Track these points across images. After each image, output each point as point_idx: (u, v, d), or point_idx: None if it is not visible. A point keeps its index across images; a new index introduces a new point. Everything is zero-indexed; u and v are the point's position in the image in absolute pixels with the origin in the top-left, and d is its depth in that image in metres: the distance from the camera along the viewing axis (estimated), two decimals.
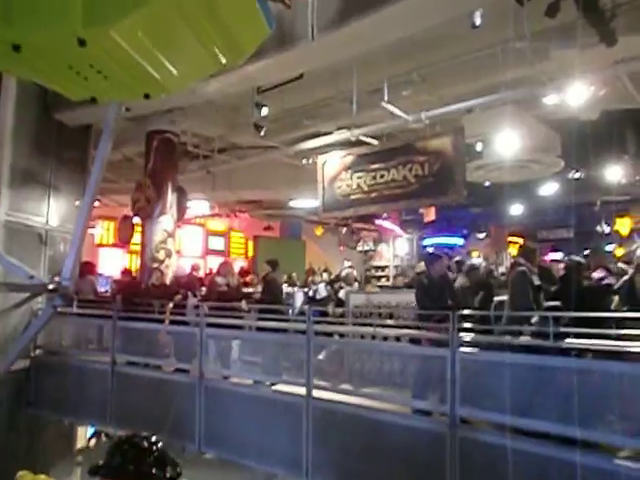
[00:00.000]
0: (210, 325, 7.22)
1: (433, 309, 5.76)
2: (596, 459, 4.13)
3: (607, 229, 20.04)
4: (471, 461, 4.83)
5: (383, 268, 20.25)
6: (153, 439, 3.12)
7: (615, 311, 5.54)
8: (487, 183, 12.60)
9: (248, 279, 12.63)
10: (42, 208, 9.97)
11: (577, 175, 15.82)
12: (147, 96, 2.17)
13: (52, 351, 9.48)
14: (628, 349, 4.61)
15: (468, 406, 4.95)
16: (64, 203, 10.31)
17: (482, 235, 22.08)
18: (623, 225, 18.82)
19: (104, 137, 3.95)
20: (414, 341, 6.14)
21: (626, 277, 5.78)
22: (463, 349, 5.14)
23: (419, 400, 5.41)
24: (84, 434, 11.00)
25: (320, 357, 6.35)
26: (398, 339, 6.71)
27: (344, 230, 19.19)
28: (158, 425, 6.68)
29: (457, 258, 9.30)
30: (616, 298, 5.80)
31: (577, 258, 6.43)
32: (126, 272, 11.52)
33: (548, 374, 4.67)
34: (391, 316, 7.80)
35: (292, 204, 16.43)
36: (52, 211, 10.10)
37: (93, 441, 11.25)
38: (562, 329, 4.92)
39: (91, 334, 9.45)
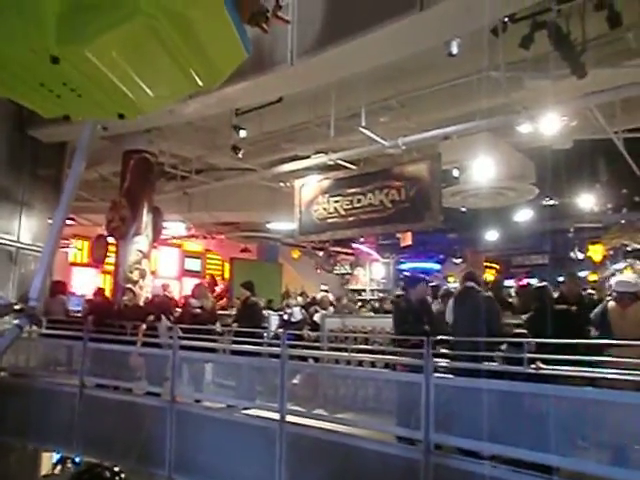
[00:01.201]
0: (183, 348, 7.10)
1: (410, 333, 5.75)
2: None
3: (580, 255, 20.41)
4: None
5: (360, 292, 20.25)
6: (116, 469, 3.05)
7: (587, 337, 5.59)
8: (463, 209, 12.76)
9: (223, 302, 12.52)
10: (13, 226, 9.78)
11: (551, 202, 16.15)
12: (121, 116, 2.15)
13: (18, 373, 9.19)
14: (602, 375, 4.64)
15: (443, 432, 4.92)
16: (37, 221, 10.14)
17: (458, 260, 22.29)
18: (596, 252, 19.18)
19: (78, 155, 3.90)
20: (389, 366, 6.10)
21: (600, 306, 5.85)
22: (438, 375, 5.13)
23: (397, 427, 5.35)
24: (49, 461, 10.65)
25: (294, 381, 6.27)
26: (373, 364, 6.68)
27: (321, 253, 19.19)
28: (126, 450, 6.51)
29: (433, 283, 9.34)
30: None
31: (542, 284, 6.52)
32: (99, 292, 11.31)
33: (521, 400, 4.68)
34: (366, 341, 7.76)
35: (269, 226, 16.42)
36: (24, 229, 9.91)
37: (58, 468, 10.89)
38: (534, 355, 4.95)
39: (60, 355, 9.21)
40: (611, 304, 5.65)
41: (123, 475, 2.87)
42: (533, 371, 4.76)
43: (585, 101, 7.19)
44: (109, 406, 7.71)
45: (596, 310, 5.77)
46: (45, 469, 10.31)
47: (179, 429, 6.79)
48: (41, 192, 10.26)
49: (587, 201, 15.38)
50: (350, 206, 9.23)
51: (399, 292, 9.42)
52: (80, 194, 11.18)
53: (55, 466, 10.88)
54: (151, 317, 8.43)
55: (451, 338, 5.81)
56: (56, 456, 10.71)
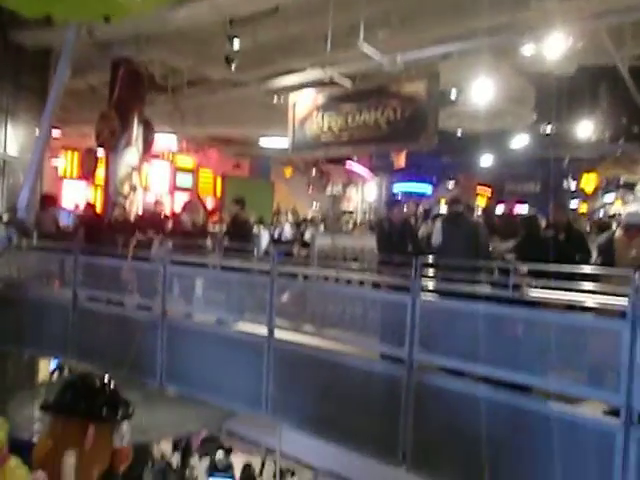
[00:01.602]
0: (174, 262, 7.14)
1: (392, 254, 5.79)
2: (552, 408, 4.26)
3: (573, 186, 20.37)
4: (425, 405, 4.97)
5: (351, 213, 20.29)
6: (106, 379, 3.10)
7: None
8: (459, 133, 12.56)
9: (215, 219, 12.49)
10: None
11: (549, 129, 15.90)
12: (107, 19, 2.02)
13: (12, 284, 9.28)
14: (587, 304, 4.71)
15: (426, 351, 5.06)
16: (23, 132, 9.88)
17: (451, 184, 22.23)
18: (589, 181, 19.15)
19: (62, 60, 3.74)
20: (377, 286, 6.18)
21: (608, 233, 5.89)
22: (424, 296, 5.20)
23: (382, 344, 5.48)
24: (46, 368, 10.97)
25: (283, 298, 6.36)
26: (361, 283, 6.76)
27: (313, 172, 19.03)
28: (119, 361, 6.69)
29: (425, 206, 9.34)
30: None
31: (530, 213, 6.56)
32: (89, 206, 11.23)
33: (505, 323, 4.78)
34: (356, 260, 7.82)
35: (262, 143, 16.14)
36: (10, 140, 9.67)
37: (55, 375, 11.24)
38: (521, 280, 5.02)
39: (52, 268, 9.27)
40: (618, 233, 5.67)
41: (112, 384, 2.93)
42: (519, 296, 4.84)
43: (594, 23, 6.90)
44: (101, 318, 7.86)
45: (604, 235, 5.82)
46: (42, 376, 10.63)
47: (169, 342, 6.96)
48: (26, 102, 9.94)
49: (585, 129, 15.18)
50: (344, 124, 9.04)
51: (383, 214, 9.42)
52: (69, 105, 10.86)
53: (52, 374, 11.23)
54: (140, 233, 8.41)
55: (436, 260, 5.86)
56: (53, 364, 11.02)
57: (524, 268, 5.28)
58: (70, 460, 2.79)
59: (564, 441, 4.08)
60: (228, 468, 10.35)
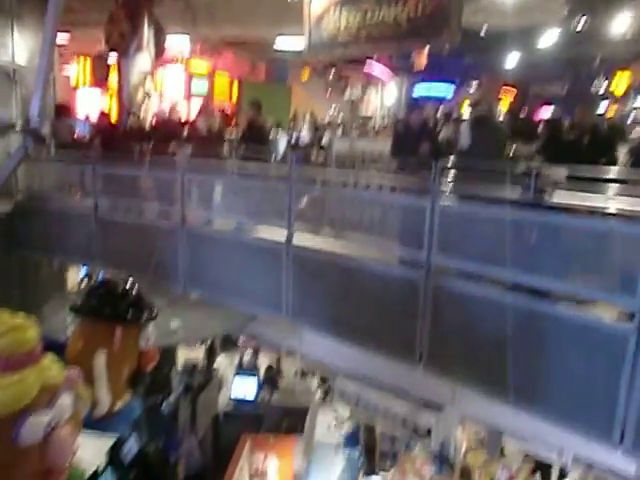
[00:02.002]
0: (191, 170, 7.10)
1: (406, 158, 5.68)
2: (567, 312, 4.29)
3: (602, 87, 19.42)
4: (442, 308, 5.06)
5: (370, 117, 19.78)
6: (130, 283, 3.21)
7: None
8: (483, 32, 11.90)
9: (231, 124, 12.28)
10: (6, 43, 9.23)
11: (581, 24, 14.94)
12: None
13: (34, 196, 9.39)
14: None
15: (444, 256, 5.07)
16: (31, 38, 9.54)
17: (474, 85, 21.40)
18: (621, 81, 18.23)
19: None
20: (396, 189, 6.10)
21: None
22: (443, 200, 5.13)
23: (400, 248, 5.48)
24: (75, 276, 11.33)
25: (301, 204, 6.34)
26: (380, 187, 6.69)
27: (331, 75, 18.39)
28: (143, 267, 6.85)
29: (446, 110, 9.04)
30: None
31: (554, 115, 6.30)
32: (104, 115, 11.09)
33: (525, 227, 4.72)
34: (374, 163, 7.68)
35: (278, 44, 15.51)
36: (18, 47, 9.37)
37: (84, 282, 11.63)
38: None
39: (72, 179, 9.32)
40: None
41: (136, 289, 3.03)
42: (541, 200, 4.76)
43: None
44: (123, 227, 7.97)
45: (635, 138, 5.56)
46: (72, 284, 11.00)
47: (190, 248, 7.07)
48: (31, 3, 9.48)
49: (620, 24, 14.21)
50: (362, 21, 8.57)
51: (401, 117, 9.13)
52: (76, 6, 10.43)
53: (81, 281, 11.63)
54: (157, 139, 8.32)
55: (460, 162, 5.72)
56: (82, 272, 11.38)
57: (557, 172, 5.12)
58: (100, 359, 2.96)
59: (576, 344, 4.15)
60: (254, 368, 10.90)
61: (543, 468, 8.14)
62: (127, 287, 3.05)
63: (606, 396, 3.98)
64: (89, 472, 2.56)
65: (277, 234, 6.22)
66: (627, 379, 3.82)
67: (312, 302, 6.00)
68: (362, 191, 6.38)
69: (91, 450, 2.67)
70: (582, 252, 4.27)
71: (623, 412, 3.88)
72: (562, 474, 9.00)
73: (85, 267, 10.78)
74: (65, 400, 2.30)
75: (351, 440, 10.85)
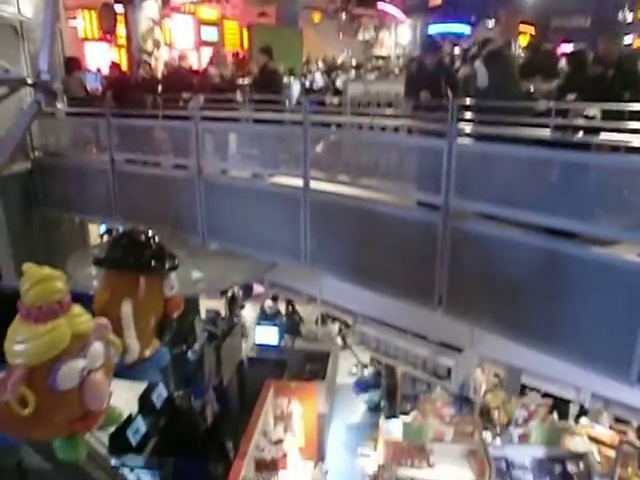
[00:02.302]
0: (205, 119, 7.04)
1: (419, 98, 5.53)
2: (587, 251, 4.26)
3: (629, 17, 18.57)
4: (461, 250, 5.06)
5: (384, 58, 19.27)
6: (151, 234, 3.25)
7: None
8: None
9: (243, 70, 12.05)
10: None
11: None
12: None
13: (51, 152, 9.42)
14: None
15: (462, 198, 5.03)
16: None
17: (491, 22, 20.64)
18: None
19: None
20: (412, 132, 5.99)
21: None
22: (461, 140, 5.05)
23: (418, 191, 5.44)
24: (96, 232, 11.49)
25: (317, 149, 6.29)
26: (396, 130, 6.58)
27: (343, 16, 17.86)
28: (162, 220, 6.92)
29: (464, 46, 8.74)
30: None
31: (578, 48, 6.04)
32: (115, 66, 10.94)
33: (546, 167, 4.64)
34: (390, 105, 7.52)
35: None
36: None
37: (105, 238, 11.80)
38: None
39: (87, 133, 9.30)
40: None
41: (157, 239, 3.07)
42: (563, 138, 4.64)
43: None
44: (140, 180, 8.00)
45: None
46: (94, 239, 11.16)
47: (208, 199, 7.10)
48: None
49: None
50: None
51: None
52: None
53: (102, 236, 11.79)
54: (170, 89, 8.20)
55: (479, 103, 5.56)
56: (103, 228, 11.53)
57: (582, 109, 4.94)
58: (127, 308, 3.04)
59: (595, 284, 4.15)
60: (277, 314, 11.11)
61: (560, 407, 8.31)
62: (149, 237, 3.09)
63: (625, 335, 4.01)
64: (124, 416, 2.68)
65: (294, 182, 6.20)
66: None
67: (330, 248, 6.04)
68: (378, 134, 6.28)
69: (123, 397, 2.79)
70: (604, 190, 4.20)
71: None
72: (579, 413, 9.20)
73: (105, 223, 10.90)
74: (97, 347, 2.40)
75: (372, 384, 11.14)
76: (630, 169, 4.17)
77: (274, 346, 10.31)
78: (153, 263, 2.98)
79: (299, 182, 6.10)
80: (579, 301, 4.27)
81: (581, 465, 7.96)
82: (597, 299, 4.17)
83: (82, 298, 2.66)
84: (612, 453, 8.09)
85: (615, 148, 4.61)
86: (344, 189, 5.92)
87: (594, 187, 4.30)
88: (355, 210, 5.76)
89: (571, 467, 8.02)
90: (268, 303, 11.24)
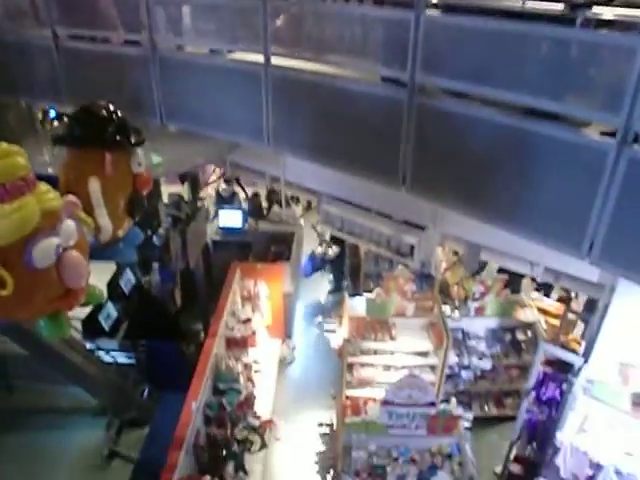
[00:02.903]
0: None
1: None
2: (549, 129, 4.26)
3: None
4: (426, 128, 5.01)
5: None
6: (112, 108, 3.10)
7: None
8: None
9: None
10: None
11: None
12: None
13: None
14: None
15: (429, 74, 4.89)
16: None
17: None
18: None
19: None
20: (379, 2, 5.66)
21: None
22: (430, 12, 4.82)
23: (383, 67, 5.25)
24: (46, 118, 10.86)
25: (277, 22, 5.94)
26: (361, 1, 6.20)
27: None
28: (116, 101, 6.56)
29: None
30: None
31: None
32: None
33: (517, 41, 4.49)
34: None
35: None
36: None
37: (56, 123, 11.19)
38: None
39: (23, 5, 8.48)
40: None
41: (120, 113, 2.93)
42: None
43: None
44: (89, 58, 7.46)
45: None
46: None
47: (164, 78, 6.72)
48: None
49: None
50: None
51: None
52: None
53: (52, 122, 11.18)
54: None
55: None
56: (52, 113, 10.89)
57: None
58: (95, 186, 2.96)
59: (555, 162, 4.21)
60: (233, 195, 11.08)
61: (514, 283, 8.83)
62: (111, 111, 2.94)
63: (580, 211, 4.15)
64: (105, 295, 2.70)
65: (254, 58, 5.91)
66: (602, 194, 3.96)
67: (293, 127, 5.91)
68: (341, 5, 5.94)
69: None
70: (571, 67, 4.14)
71: (594, 225, 4.06)
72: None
73: (52, 107, 10.30)
74: (69, 224, 2.36)
75: (336, 263, 11.49)
76: (593, 44, 4.03)
77: (238, 229, 10.39)
78: (118, 138, 2.87)
79: (260, 58, 5.82)
80: (539, 180, 4.35)
81: (529, 333, 8.65)
82: (557, 177, 4.26)
83: (45, 180, 2.57)
84: (557, 322, 8.80)
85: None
86: (307, 65, 5.67)
87: (557, 63, 4.22)
88: (318, 86, 5.56)
89: (520, 335, 8.72)
90: (222, 186, 11.16)
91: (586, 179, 4.07)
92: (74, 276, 2.37)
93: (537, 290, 9.65)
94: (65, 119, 9.84)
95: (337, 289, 11.61)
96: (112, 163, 2.82)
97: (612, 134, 3.88)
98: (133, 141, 2.95)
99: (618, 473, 5.66)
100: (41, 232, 2.25)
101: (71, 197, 2.49)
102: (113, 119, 2.92)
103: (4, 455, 8.61)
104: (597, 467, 5.76)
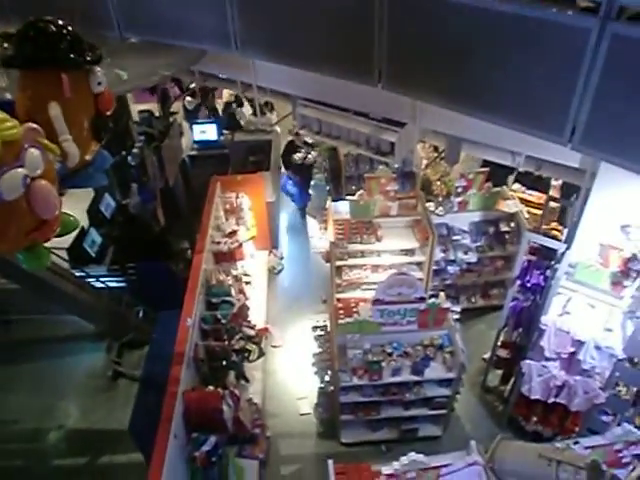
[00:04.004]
0: None
1: None
2: (531, 9, 4.04)
3: None
4: (400, 17, 4.71)
5: None
6: (62, 22, 2.85)
7: None
8: None
9: None
10: None
11: None
12: None
13: None
14: None
15: None
16: None
17: None
18: None
19: None
20: None
21: None
22: None
23: None
24: None
25: None
26: None
27: None
28: (68, 16, 6.09)
29: None
30: None
31: None
32: None
33: None
34: None
35: None
36: None
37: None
38: None
39: None
40: None
41: (72, 28, 2.70)
42: None
43: None
44: None
45: None
46: None
47: None
48: None
49: None
50: None
51: None
52: None
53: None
54: None
55: None
56: None
57: None
58: (55, 111, 2.78)
59: (534, 45, 4.02)
60: (199, 107, 10.73)
61: (496, 175, 8.80)
62: (61, 26, 2.71)
63: (561, 96, 4.02)
64: (79, 223, 2.62)
65: None
66: (584, 75, 3.83)
67: (261, 29, 5.59)
68: None
69: (72, 212, 2.70)
70: None
71: (576, 109, 3.96)
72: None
73: None
74: (33, 153, 2.23)
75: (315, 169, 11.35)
76: None
77: (214, 142, 10.15)
78: (72, 56, 2.66)
79: None
80: (519, 64, 4.18)
81: (512, 224, 8.76)
82: (535, 61, 4.10)
83: (0, 108, 2.40)
84: (539, 212, 8.89)
85: None
86: None
87: None
88: None
89: (503, 227, 8.82)
90: (187, 99, 10.77)
91: (567, 60, 3.91)
92: (45, 206, 2.28)
93: (518, 182, 9.69)
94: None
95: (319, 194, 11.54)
96: (70, 84, 2.63)
97: (594, 10, 3.69)
98: (90, 58, 2.74)
99: (597, 348, 5.97)
100: (4, 163, 2.13)
101: (31, 124, 2.34)
102: (64, 34, 2.69)
103: (12, 386, 8.86)
104: (579, 344, 6.04)
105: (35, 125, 2.35)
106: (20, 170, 2.16)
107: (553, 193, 8.90)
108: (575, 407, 6.39)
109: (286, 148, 10.74)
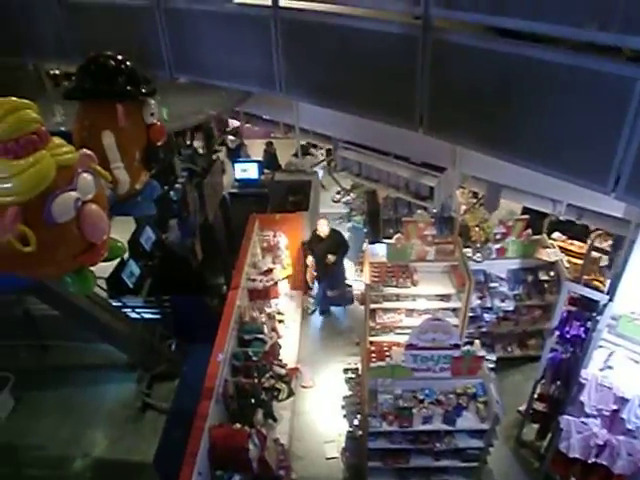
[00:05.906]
0: None
1: None
2: (571, 58, 4.07)
3: None
4: (443, 65, 4.82)
5: None
6: (120, 58, 3.01)
7: None
8: None
9: None
10: None
11: None
12: None
13: None
14: None
15: (444, 7, 4.68)
16: None
17: None
18: None
19: None
20: None
21: None
22: None
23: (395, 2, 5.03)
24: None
25: None
26: None
27: None
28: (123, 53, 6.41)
29: None
30: None
31: None
32: None
33: None
34: None
35: None
36: None
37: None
38: None
39: None
40: None
41: (129, 63, 2.85)
42: None
43: None
44: (93, 12, 7.24)
45: None
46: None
47: (171, 28, 6.55)
48: None
49: None
50: None
51: None
52: None
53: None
54: None
55: None
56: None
57: None
58: (109, 140, 2.90)
59: (578, 92, 4.03)
60: (240, 146, 10.99)
61: (535, 223, 8.70)
62: (119, 61, 2.86)
63: (605, 144, 3.99)
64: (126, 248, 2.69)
65: (261, 1, 5.71)
66: (630, 123, 3.79)
67: (306, 72, 5.75)
68: None
69: None
70: None
71: (621, 158, 3.92)
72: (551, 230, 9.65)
73: (61, 66, 10.12)
74: (86, 178, 2.32)
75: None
76: None
77: (254, 180, 10.35)
78: (128, 88, 2.80)
79: (267, 1, 5.61)
80: (563, 113, 4.19)
81: (551, 273, 8.57)
82: (580, 109, 4.10)
83: (58, 136, 2.52)
84: (580, 261, 8.69)
85: None
86: (316, 5, 5.47)
87: None
88: (329, 27, 5.37)
89: (542, 275, 8.64)
90: (230, 137, 11.04)
91: (612, 109, 3.90)
92: (95, 230, 2.36)
93: (557, 230, 9.54)
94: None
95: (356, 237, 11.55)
96: (124, 114, 2.76)
97: (638, 59, 3.69)
98: (144, 91, 2.87)
99: None
100: (58, 187, 2.22)
101: (85, 150, 2.45)
102: (122, 69, 2.84)
103: (42, 411, 8.96)
104: (622, 401, 5.79)
105: (89, 151, 2.45)
106: (73, 194, 2.25)
107: (598, 242, 8.71)
108: (618, 470, 6.06)
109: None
